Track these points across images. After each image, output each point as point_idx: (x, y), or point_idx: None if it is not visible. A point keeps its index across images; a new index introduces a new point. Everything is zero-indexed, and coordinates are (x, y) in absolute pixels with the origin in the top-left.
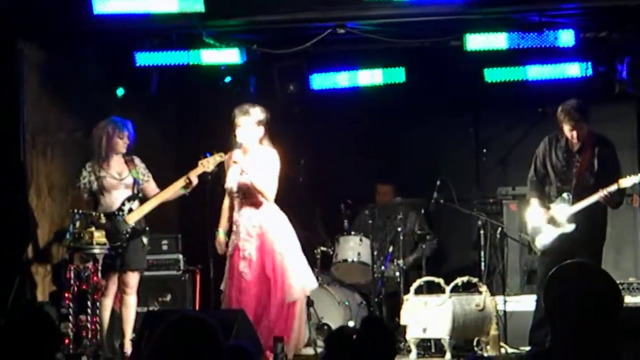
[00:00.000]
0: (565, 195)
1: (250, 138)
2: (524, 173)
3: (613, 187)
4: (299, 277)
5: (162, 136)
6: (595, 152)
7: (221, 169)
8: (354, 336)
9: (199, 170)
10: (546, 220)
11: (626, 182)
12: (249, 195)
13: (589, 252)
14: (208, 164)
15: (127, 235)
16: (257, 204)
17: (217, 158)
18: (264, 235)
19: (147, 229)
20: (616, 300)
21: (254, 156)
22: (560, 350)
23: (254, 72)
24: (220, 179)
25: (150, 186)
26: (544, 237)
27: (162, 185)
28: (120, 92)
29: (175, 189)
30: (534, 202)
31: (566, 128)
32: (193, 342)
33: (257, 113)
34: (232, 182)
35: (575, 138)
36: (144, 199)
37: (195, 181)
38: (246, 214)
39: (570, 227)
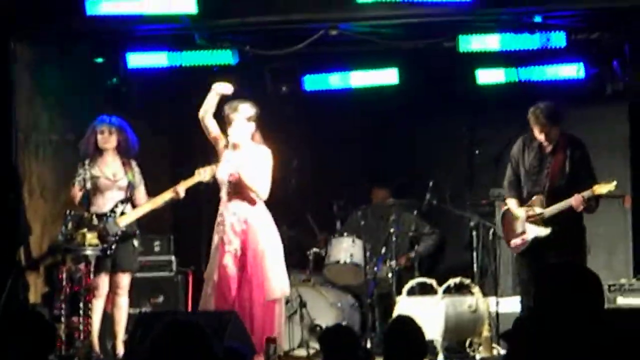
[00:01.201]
0: (537, 197)
1: (241, 134)
2: None
3: (587, 193)
4: (279, 278)
5: (155, 139)
6: (567, 153)
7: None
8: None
9: (195, 178)
10: (524, 218)
11: (601, 189)
12: (238, 190)
13: (568, 254)
14: (205, 174)
15: (117, 238)
16: (245, 199)
17: (214, 168)
18: (248, 231)
19: (138, 232)
20: (598, 297)
21: (246, 153)
22: (544, 344)
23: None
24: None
25: (140, 193)
26: (520, 238)
27: (153, 189)
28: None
29: (163, 200)
30: (512, 202)
31: (535, 130)
32: (185, 348)
33: (246, 109)
34: (223, 173)
35: (544, 140)
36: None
37: (182, 194)
38: (232, 208)
39: (545, 231)
